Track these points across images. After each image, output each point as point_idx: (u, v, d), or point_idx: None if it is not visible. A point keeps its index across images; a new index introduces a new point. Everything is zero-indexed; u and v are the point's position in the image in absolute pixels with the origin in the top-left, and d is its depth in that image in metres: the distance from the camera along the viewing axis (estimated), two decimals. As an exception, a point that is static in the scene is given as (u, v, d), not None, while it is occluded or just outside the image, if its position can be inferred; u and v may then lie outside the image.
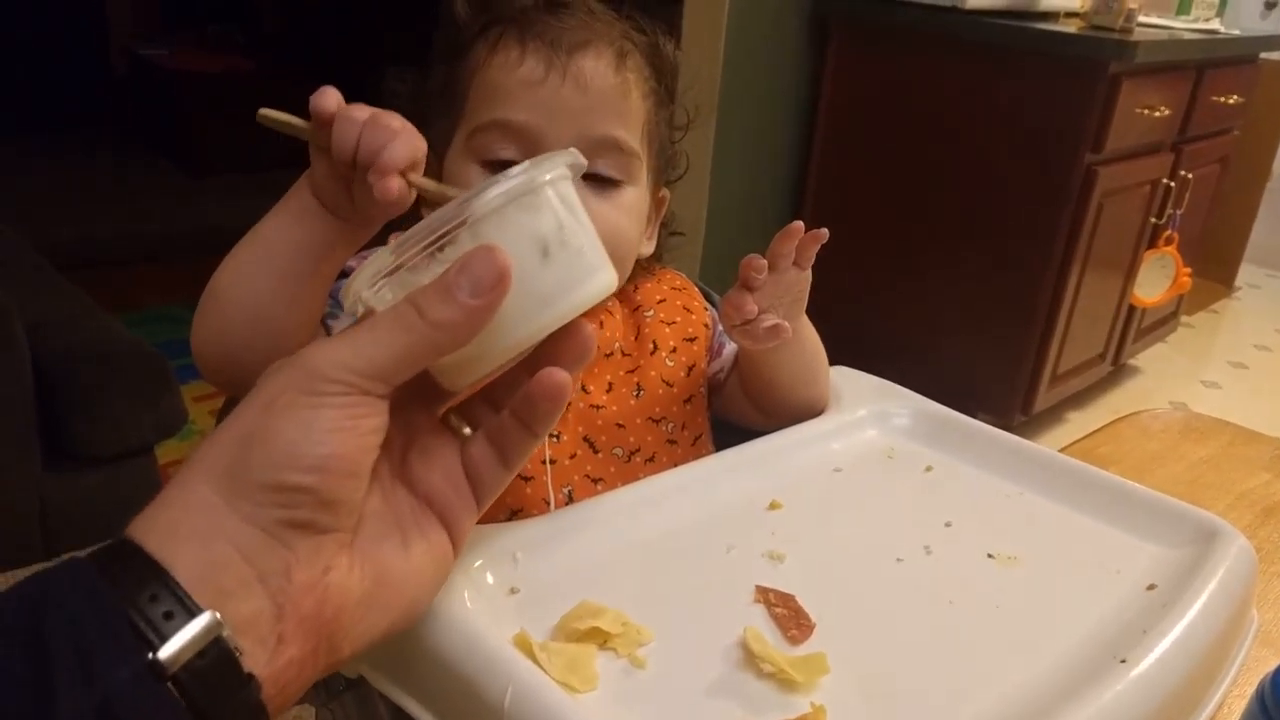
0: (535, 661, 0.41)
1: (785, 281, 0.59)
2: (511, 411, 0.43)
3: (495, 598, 0.47)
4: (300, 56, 3.97)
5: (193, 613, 0.34)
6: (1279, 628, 0.61)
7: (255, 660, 0.35)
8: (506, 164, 0.61)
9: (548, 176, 0.41)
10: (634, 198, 0.65)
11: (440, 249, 0.40)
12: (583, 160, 0.44)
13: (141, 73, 3.82)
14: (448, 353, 0.39)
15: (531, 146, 0.61)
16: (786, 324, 0.60)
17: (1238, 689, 0.51)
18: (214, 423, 0.71)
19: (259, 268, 0.52)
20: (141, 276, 2.83)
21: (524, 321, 0.40)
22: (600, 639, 0.44)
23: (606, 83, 0.62)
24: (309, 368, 0.38)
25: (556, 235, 0.41)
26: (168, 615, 0.33)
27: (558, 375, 0.42)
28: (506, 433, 0.43)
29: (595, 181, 0.63)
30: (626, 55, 0.63)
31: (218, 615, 0.34)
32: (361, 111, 0.48)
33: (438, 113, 0.66)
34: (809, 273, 0.61)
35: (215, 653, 0.34)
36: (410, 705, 0.43)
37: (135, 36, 3.93)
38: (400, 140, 0.47)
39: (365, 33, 3.84)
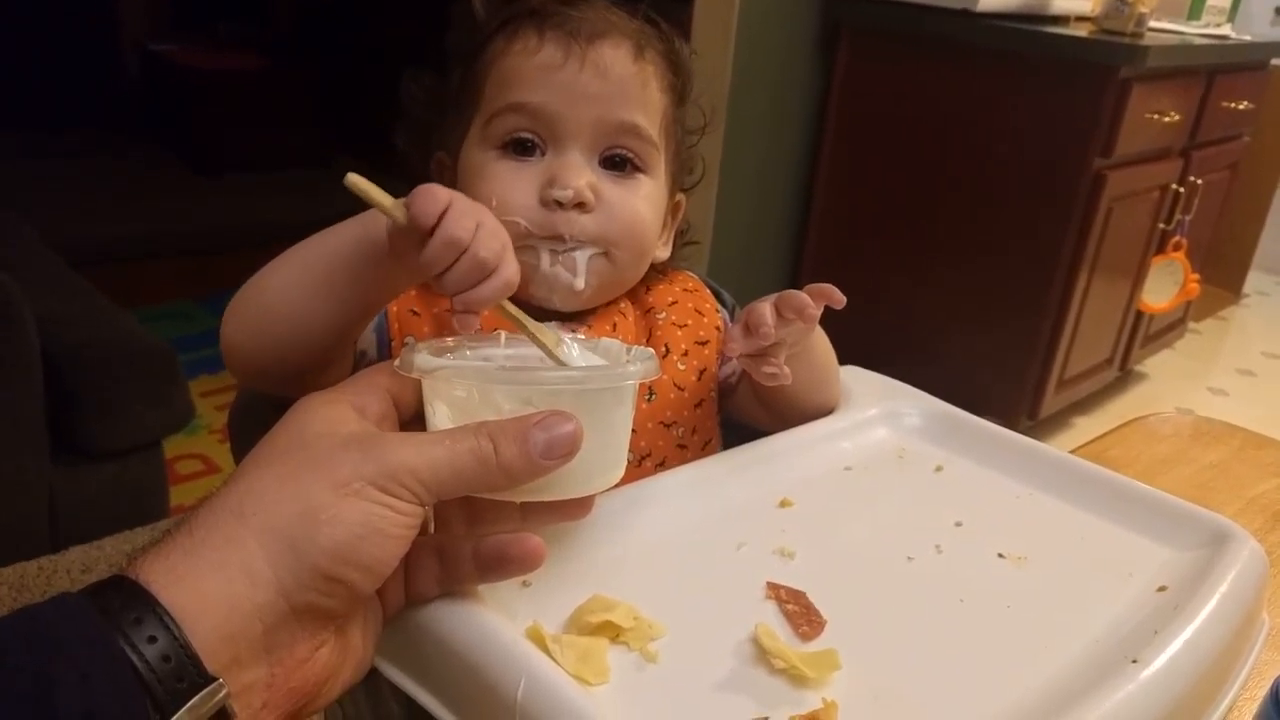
0: (548, 654, 0.41)
1: (793, 329, 0.59)
2: (476, 553, 0.44)
3: (508, 590, 0.47)
4: (312, 55, 3.99)
5: (204, 680, 0.35)
6: (1289, 631, 0.61)
7: None
8: (524, 143, 0.61)
9: (641, 378, 0.46)
10: (652, 189, 0.65)
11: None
12: (658, 369, 0.48)
13: (153, 70, 3.84)
14: (500, 491, 0.43)
15: (549, 129, 0.61)
16: (787, 371, 0.59)
17: (1248, 692, 0.51)
18: (223, 419, 0.72)
19: (315, 293, 0.51)
20: (152, 272, 2.85)
21: (560, 485, 0.44)
22: (612, 633, 0.44)
23: (626, 70, 0.62)
24: (385, 465, 0.39)
25: (622, 427, 0.47)
26: (178, 678, 0.34)
27: (537, 546, 0.44)
28: (459, 562, 0.44)
29: (614, 165, 0.63)
30: (645, 48, 0.63)
31: (224, 686, 0.35)
32: (463, 229, 0.45)
33: (454, 114, 0.66)
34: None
35: (214, 717, 0.35)
36: (422, 697, 0.43)
37: (147, 34, 3.95)
38: (492, 281, 0.46)
39: (377, 31, 3.85)
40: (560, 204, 0.60)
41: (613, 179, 0.63)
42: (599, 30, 0.62)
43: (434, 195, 0.45)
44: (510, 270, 0.47)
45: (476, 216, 0.47)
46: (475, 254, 0.46)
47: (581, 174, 0.61)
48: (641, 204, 0.64)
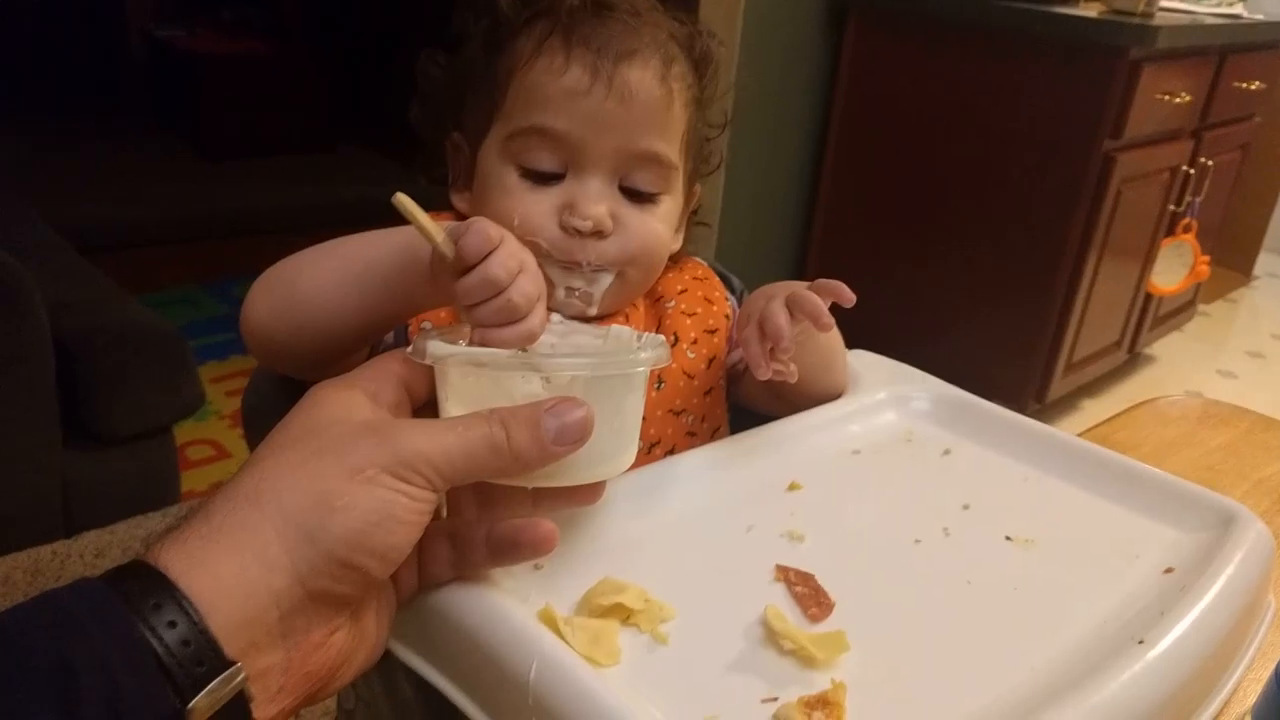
0: (560, 636, 0.42)
1: (802, 328, 0.59)
2: (488, 538, 0.44)
3: (520, 573, 0.47)
4: (317, 40, 3.97)
5: (223, 664, 0.35)
6: (1296, 613, 0.61)
7: (257, 709, 0.37)
8: (547, 175, 0.62)
9: (652, 365, 0.47)
10: (669, 207, 0.65)
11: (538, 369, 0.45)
12: (669, 357, 0.48)
13: (159, 55, 3.84)
14: (512, 477, 0.43)
15: (571, 156, 0.61)
16: (793, 369, 0.59)
17: (1254, 673, 0.52)
18: (232, 405, 0.72)
19: (348, 291, 0.52)
20: (160, 258, 2.85)
21: (571, 471, 0.45)
22: (623, 615, 0.45)
23: (651, 95, 0.61)
24: (398, 451, 0.40)
25: (633, 413, 0.47)
26: (198, 662, 0.35)
27: (549, 531, 0.44)
28: (471, 547, 0.44)
29: (633, 195, 0.63)
30: (672, 63, 0.63)
31: (243, 670, 0.36)
32: (505, 270, 0.46)
33: (473, 99, 0.65)
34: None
35: (232, 701, 0.36)
36: (436, 679, 0.44)
37: (153, 19, 3.94)
38: (516, 328, 0.47)
39: (384, 15, 3.84)
40: (580, 232, 0.61)
41: (632, 204, 0.63)
42: (627, 49, 0.61)
43: (486, 234, 0.46)
44: (536, 322, 0.48)
45: (521, 259, 0.47)
46: (509, 298, 0.46)
47: (601, 200, 0.61)
48: (660, 224, 0.64)
